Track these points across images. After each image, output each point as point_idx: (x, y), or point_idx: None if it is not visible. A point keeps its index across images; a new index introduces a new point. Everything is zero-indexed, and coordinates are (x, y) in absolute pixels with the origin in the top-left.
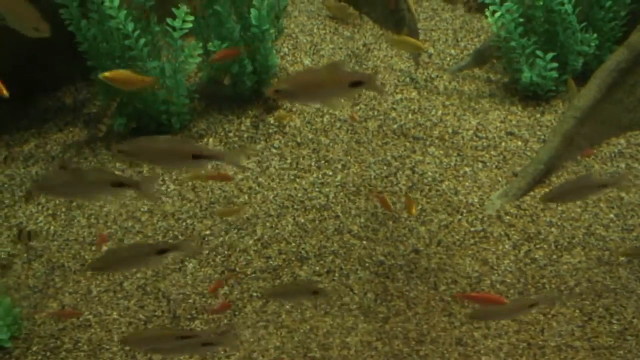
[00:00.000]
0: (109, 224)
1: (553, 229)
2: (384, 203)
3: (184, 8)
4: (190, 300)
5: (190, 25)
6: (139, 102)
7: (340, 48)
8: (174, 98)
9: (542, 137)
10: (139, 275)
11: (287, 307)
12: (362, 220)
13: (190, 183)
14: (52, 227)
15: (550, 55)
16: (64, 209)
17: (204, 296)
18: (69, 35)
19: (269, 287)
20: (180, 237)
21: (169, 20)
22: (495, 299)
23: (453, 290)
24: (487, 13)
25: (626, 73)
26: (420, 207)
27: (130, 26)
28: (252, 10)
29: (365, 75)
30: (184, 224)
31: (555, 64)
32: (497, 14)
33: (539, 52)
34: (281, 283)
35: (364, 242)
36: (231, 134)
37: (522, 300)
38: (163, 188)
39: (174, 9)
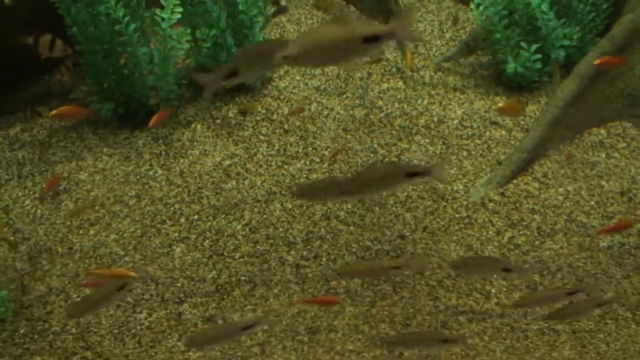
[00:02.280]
0: (96, 207)
1: (536, 216)
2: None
3: None
4: (179, 284)
5: (179, 15)
6: (127, 87)
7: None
8: (162, 84)
9: (526, 126)
10: (127, 258)
11: (275, 291)
12: (349, 206)
13: (178, 169)
14: (39, 211)
15: (534, 46)
16: (50, 193)
17: (192, 280)
18: (56, 19)
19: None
20: (168, 221)
21: (157, 11)
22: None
23: (438, 275)
24: (472, 6)
25: None
26: (406, 194)
27: (120, 11)
28: None
29: (384, 27)
30: (172, 208)
31: (539, 55)
32: (482, 7)
33: (523, 44)
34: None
35: (351, 227)
36: (219, 121)
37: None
38: (151, 173)
39: (162, 0)
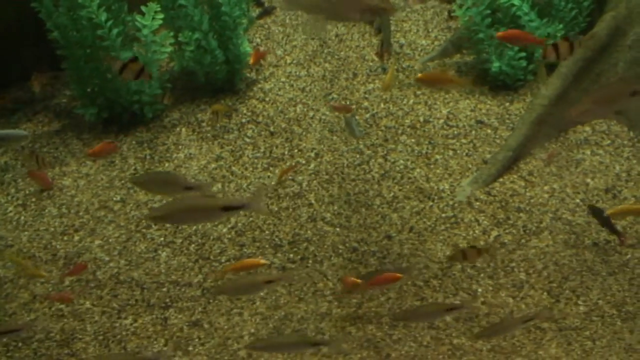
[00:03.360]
0: (80, 213)
1: (521, 214)
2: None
3: (154, 5)
4: (164, 289)
5: (160, 22)
6: (110, 92)
7: (313, 38)
8: (146, 88)
9: (511, 125)
10: (112, 264)
11: (262, 294)
12: (336, 207)
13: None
14: (22, 217)
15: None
16: (34, 199)
17: (177, 284)
18: (38, 25)
19: None
20: (153, 226)
21: (138, 18)
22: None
23: (425, 276)
24: (455, 6)
25: (591, 62)
26: (392, 194)
27: (102, 16)
28: None
29: None
30: None
31: (523, 54)
32: (465, 7)
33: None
34: None
35: (337, 229)
36: (204, 124)
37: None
38: None
39: (142, 7)
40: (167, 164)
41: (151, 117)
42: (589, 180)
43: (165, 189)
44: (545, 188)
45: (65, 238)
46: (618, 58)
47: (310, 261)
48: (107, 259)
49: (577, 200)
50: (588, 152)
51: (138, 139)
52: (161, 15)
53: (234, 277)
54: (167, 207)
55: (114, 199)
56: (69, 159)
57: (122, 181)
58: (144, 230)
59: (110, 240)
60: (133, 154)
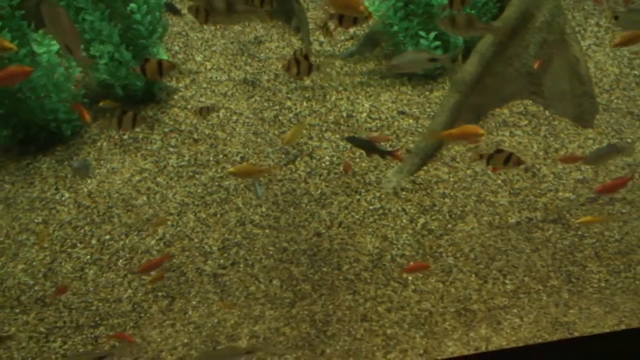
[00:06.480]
0: (1, 239)
1: (446, 200)
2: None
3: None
4: (93, 308)
5: (57, 47)
6: (24, 112)
7: (232, 42)
8: (61, 107)
9: (432, 113)
10: (37, 287)
11: (194, 302)
12: (264, 209)
13: (85, 190)
14: None
15: (433, 34)
16: None
17: (107, 301)
18: None
19: None
20: (79, 244)
21: (34, 46)
22: None
23: (356, 269)
24: (367, 2)
25: (503, 46)
26: (319, 191)
27: (7, 36)
28: (132, 6)
29: None
30: (81, 231)
31: (438, 42)
32: (377, 3)
33: (421, 33)
34: None
35: (267, 230)
36: (125, 137)
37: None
38: (57, 197)
39: (35, 35)
40: (89, 181)
41: (70, 134)
42: None
43: None
44: (468, 172)
45: None
46: (529, 40)
47: (241, 265)
48: (31, 282)
49: (499, 182)
50: (507, 133)
51: (57, 157)
52: (54, 43)
53: None
54: None
55: (36, 220)
56: None
57: (44, 202)
58: (69, 250)
59: (34, 263)
60: (53, 173)
